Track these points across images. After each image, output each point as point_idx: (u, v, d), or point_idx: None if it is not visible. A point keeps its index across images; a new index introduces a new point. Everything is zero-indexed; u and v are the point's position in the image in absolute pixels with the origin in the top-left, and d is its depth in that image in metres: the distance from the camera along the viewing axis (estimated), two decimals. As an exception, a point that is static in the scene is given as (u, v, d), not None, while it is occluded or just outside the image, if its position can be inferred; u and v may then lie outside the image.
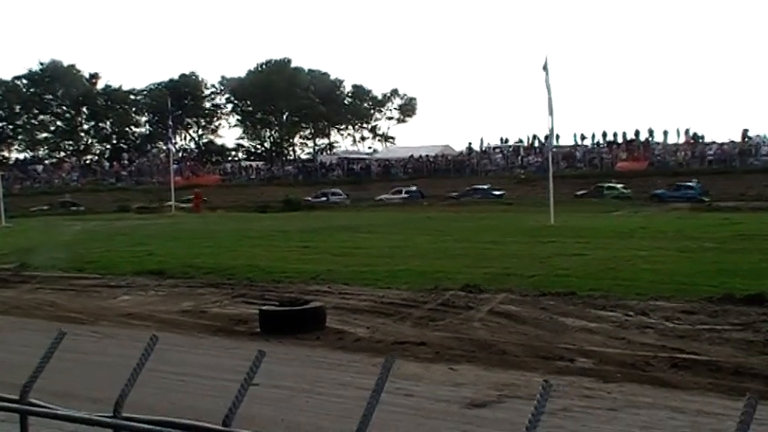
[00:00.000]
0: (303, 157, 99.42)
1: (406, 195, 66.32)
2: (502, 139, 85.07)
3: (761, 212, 39.95)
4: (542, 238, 26.72)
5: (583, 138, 78.95)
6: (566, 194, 52.41)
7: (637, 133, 76.39)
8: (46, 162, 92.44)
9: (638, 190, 58.93)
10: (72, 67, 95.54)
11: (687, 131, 75.27)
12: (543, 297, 14.66)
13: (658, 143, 75.27)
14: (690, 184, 59.22)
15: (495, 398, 8.68)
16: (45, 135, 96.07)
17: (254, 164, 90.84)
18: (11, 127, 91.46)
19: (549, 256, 20.96)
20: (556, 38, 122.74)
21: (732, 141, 71.32)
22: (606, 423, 7.81)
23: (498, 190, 64.46)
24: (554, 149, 52.37)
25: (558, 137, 67.81)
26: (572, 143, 78.24)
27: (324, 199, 66.33)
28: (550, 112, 37.03)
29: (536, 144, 79.68)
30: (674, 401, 8.43)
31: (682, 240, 24.50)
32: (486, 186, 65.72)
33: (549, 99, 36.45)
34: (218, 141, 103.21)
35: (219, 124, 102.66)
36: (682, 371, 9.58)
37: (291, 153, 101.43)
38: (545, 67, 36.47)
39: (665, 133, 75.78)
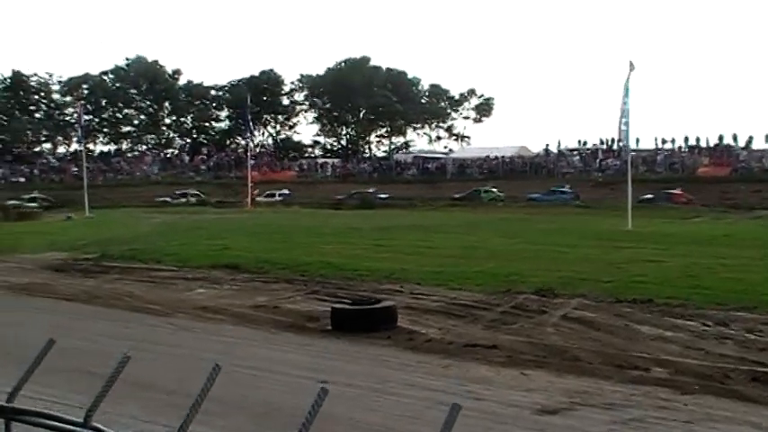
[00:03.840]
0: (379, 155, 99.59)
1: (279, 198, 67.23)
2: (580, 142, 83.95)
3: None
4: (619, 242, 26.28)
5: (664, 141, 77.42)
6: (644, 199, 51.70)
7: (720, 138, 74.63)
8: (128, 155, 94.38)
9: (717, 197, 57.59)
10: (156, 62, 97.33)
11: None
12: (619, 303, 14.41)
13: (743, 149, 73.34)
14: (563, 188, 63.94)
15: (566, 405, 8.56)
16: (128, 128, 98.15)
17: (329, 161, 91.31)
18: (96, 120, 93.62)
19: (625, 262, 20.60)
20: (639, 39, 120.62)
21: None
22: (681, 435, 7.64)
23: (384, 193, 66.66)
24: (633, 153, 51.65)
25: (638, 140, 66.78)
26: (653, 147, 76.70)
27: (183, 200, 66.04)
28: (623, 116, 36.71)
29: (614, 147, 78.39)
30: (754, 417, 8.19)
31: (767, 249, 23.80)
32: (372, 190, 68.35)
33: (625, 104, 36.18)
34: (296, 138, 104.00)
35: (297, 121, 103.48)
36: (763, 385, 9.30)
37: (367, 151, 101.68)
38: (630, 71, 36.19)
39: (751, 139, 73.84)
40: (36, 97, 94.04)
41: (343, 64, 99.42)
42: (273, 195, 67.97)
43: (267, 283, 18.17)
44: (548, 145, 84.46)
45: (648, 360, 10.45)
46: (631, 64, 36.83)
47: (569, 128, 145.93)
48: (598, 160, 76.61)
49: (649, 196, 56.73)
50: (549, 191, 63.29)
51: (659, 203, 54.96)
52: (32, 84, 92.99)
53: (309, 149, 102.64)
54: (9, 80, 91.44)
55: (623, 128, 37.83)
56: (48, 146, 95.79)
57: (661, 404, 8.57)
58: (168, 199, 64.96)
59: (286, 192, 69.27)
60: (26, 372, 2.33)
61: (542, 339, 11.82)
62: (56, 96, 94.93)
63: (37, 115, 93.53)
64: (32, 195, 62.50)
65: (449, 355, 10.97)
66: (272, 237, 30.05)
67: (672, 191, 58.91)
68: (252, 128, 73.81)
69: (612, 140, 79.61)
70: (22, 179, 76.95)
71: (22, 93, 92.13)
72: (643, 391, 9.08)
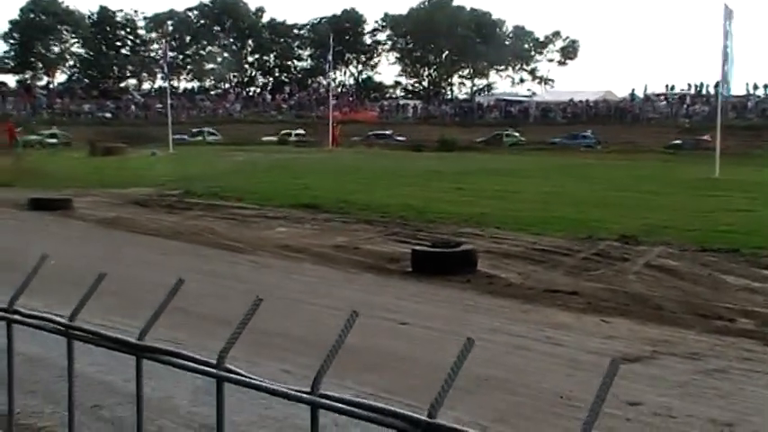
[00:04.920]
0: (461, 97, 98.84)
1: (295, 138, 67.51)
2: (667, 86, 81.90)
3: None
4: (705, 190, 25.67)
5: (756, 87, 75.00)
6: (733, 146, 50.23)
7: (817, 84, 71.96)
8: (211, 92, 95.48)
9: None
10: (239, 0, 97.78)
11: None
12: (704, 253, 14.10)
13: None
14: (585, 133, 66.30)
15: (648, 354, 8.43)
16: (212, 66, 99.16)
17: (411, 102, 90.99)
18: (181, 57, 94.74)
19: (711, 210, 20.14)
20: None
21: None
22: (766, 387, 7.47)
23: (401, 136, 67.77)
24: (723, 97, 50.24)
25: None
26: (743, 93, 74.39)
27: (200, 138, 65.77)
28: (725, 60, 35.54)
29: (703, 92, 76.33)
30: (844, 370, 7.97)
31: None
32: (389, 132, 69.93)
33: (726, 46, 35.02)
34: (377, 78, 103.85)
35: (379, 61, 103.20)
36: None
37: (449, 93, 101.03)
38: (727, 16, 34.96)
39: None
40: (122, 33, 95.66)
41: (426, 3, 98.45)
42: (290, 135, 68.50)
43: (347, 224, 18.26)
44: (634, 90, 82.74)
45: (734, 311, 10.23)
46: (727, 7, 35.57)
47: (656, 72, 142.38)
48: (685, 106, 74.73)
49: (678, 142, 59.08)
50: (570, 135, 65.38)
51: (687, 149, 56.13)
52: (118, 20, 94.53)
53: (391, 90, 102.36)
54: (96, 16, 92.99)
55: (725, 72, 36.80)
56: (133, 82, 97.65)
57: (746, 355, 8.39)
58: (186, 137, 64.67)
59: (301, 132, 69.38)
60: (155, 312, 2.35)
61: (624, 287, 11.66)
62: (141, 32, 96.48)
63: (123, 51, 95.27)
64: (52, 131, 61.61)
65: (528, 301, 10.91)
66: (352, 177, 30.18)
67: (700, 137, 59.19)
68: (331, 67, 73.64)
69: (701, 85, 77.67)
70: (109, 115, 78.59)
71: (108, 29, 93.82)
72: (727, 341, 8.89)
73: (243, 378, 2.13)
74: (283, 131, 69.40)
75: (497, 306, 10.68)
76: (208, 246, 15.73)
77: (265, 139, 65.36)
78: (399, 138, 67.15)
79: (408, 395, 6.09)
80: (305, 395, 2.02)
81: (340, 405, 1.98)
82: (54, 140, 57.96)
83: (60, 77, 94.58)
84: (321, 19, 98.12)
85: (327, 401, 2.00)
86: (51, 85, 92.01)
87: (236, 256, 14.61)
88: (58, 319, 2.57)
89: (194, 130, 68.36)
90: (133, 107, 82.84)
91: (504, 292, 11.50)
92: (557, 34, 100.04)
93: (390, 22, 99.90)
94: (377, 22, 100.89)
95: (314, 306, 10.14)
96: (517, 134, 67.61)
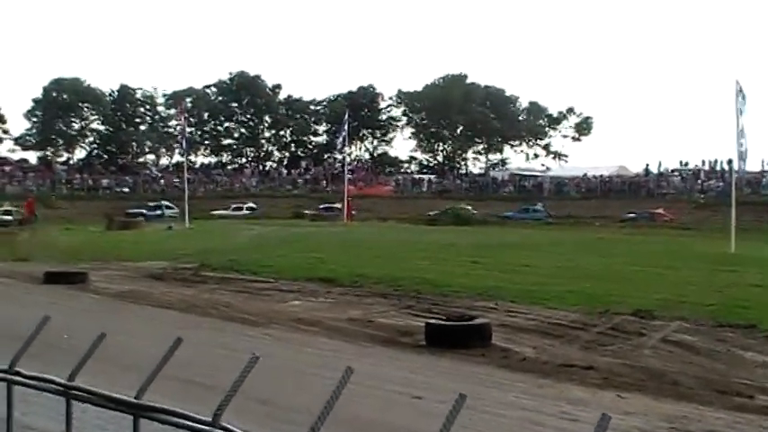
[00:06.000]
0: (475, 171, 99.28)
1: (247, 211, 67.99)
2: (681, 162, 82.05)
3: None
4: (721, 266, 25.51)
5: (771, 163, 74.87)
6: (748, 222, 50.09)
7: (832, 161, 71.83)
8: (228, 167, 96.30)
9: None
10: (257, 77, 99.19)
11: None
12: (720, 328, 14.01)
13: None
14: (536, 207, 67.33)
15: (665, 430, 8.34)
16: (229, 141, 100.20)
17: (425, 177, 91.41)
18: (199, 133, 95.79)
19: (728, 286, 20.00)
20: (743, 57, 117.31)
21: None
22: (787, 466, 7.35)
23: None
24: (737, 174, 50.31)
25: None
26: (758, 169, 74.27)
27: (158, 212, 63.65)
28: (740, 137, 35.78)
29: (717, 168, 76.37)
30: None
31: None
32: (338, 205, 68.10)
33: (739, 124, 35.36)
34: (392, 153, 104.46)
35: (394, 136, 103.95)
36: None
37: (463, 167, 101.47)
38: (738, 92, 35.34)
39: None
40: (141, 110, 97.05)
41: (441, 80, 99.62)
42: (241, 209, 68.89)
43: (361, 297, 18.25)
44: (648, 165, 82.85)
45: (752, 387, 10.11)
46: (738, 84, 35.93)
47: (670, 148, 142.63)
48: (700, 181, 74.77)
49: (632, 215, 60.50)
50: (522, 209, 66.49)
51: (641, 222, 57.74)
52: (138, 97, 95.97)
53: (406, 165, 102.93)
54: (116, 93, 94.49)
55: (740, 149, 36.96)
56: (151, 157, 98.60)
57: (766, 433, 8.28)
58: (144, 211, 63.41)
59: (253, 205, 70.30)
60: (153, 370, 2.38)
61: (640, 362, 11.57)
62: (160, 109, 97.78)
63: (142, 127, 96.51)
64: (5, 208, 57.53)
65: (544, 375, 10.82)
66: (366, 251, 30.19)
67: (654, 210, 61.68)
68: (345, 142, 73.99)
69: (715, 161, 77.73)
70: (126, 189, 79.28)
71: (128, 105, 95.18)
72: (747, 419, 8.79)
73: None
74: (234, 205, 69.82)
75: (512, 380, 10.60)
76: (222, 319, 15.74)
77: (215, 212, 65.22)
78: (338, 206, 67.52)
79: (422, 470, 6.02)
80: None
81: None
82: (8, 217, 54.28)
83: (80, 153, 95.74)
84: (338, 96, 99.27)
85: None
86: (71, 161, 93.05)
87: (250, 329, 14.60)
88: (58, 379, 2.59)
89: (151, 203, 67.38)
90: (161, 181, 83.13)
91: (519, 367, 11.42)
92: (570, 110, 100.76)
93: (405, 98, 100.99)
94: (392, 98, 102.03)
95: (328, 380, 10.07)
96: (469, 208, 67.75)
